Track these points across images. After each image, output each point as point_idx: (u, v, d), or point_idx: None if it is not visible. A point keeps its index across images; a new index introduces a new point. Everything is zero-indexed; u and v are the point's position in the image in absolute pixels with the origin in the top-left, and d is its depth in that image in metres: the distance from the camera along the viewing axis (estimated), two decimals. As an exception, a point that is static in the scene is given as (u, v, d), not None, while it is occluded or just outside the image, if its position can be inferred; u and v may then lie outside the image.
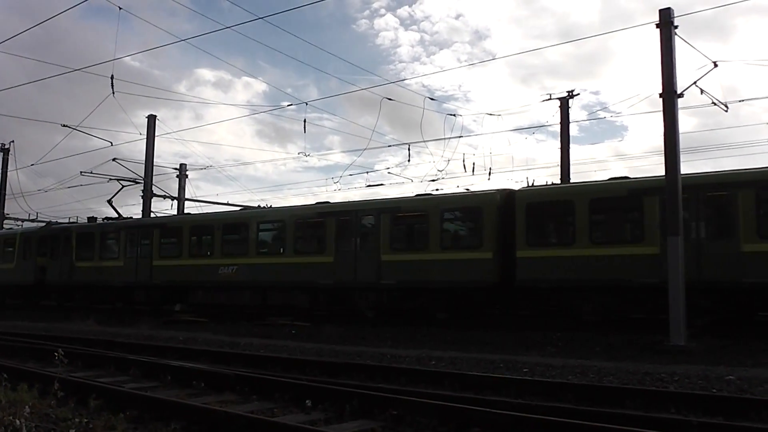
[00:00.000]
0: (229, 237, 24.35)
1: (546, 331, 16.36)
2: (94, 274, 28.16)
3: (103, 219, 31.16)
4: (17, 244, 32.38)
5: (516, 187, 20.30)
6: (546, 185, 19.19)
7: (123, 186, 32.64)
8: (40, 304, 31.53)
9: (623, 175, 17.70)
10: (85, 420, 6.92)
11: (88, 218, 32.14)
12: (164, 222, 27.47)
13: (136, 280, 26.45)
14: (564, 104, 28.22)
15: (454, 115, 27.46)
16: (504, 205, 18.34)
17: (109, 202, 31.32)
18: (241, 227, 24.18)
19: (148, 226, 27.25)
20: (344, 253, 20.66)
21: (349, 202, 22.76)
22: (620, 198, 16.82)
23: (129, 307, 27.58)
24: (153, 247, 26.19)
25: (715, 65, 15.95)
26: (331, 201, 23.30)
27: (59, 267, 29.59)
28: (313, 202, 23.34)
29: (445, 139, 27.57)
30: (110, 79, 21.48)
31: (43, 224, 44.27)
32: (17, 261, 32.03)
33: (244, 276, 23.06)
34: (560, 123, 28.25)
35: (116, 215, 30.86)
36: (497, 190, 19.21)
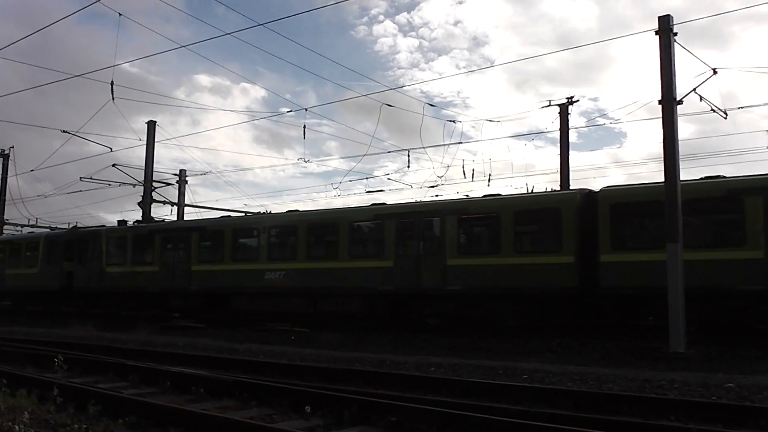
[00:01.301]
0: (276, 240, 23.14)
1: (544, 337, 16.34)
2: (125, 280, 26.88)
3: (134, 222, 30.07)
4: (41, 248, 30.87)
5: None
6: (632, 185, 17.71)
7: (155, 188, 31.47)
8: (64, 310, 29.91)
9: (717, 174, 16.46)
10: (84, 426, 6.91)
11: (118, 222, 30.83)
12: (204, 225, 25.95)
13: (173, 287, 25.18)
14: (563, 111, 28.24)
15: (454, 121, 27.52)
16: (583, 206, 17.20)
17: (140, 204, 30.29)
18: (288, 230, 22.85)
19: (185, 230, 25.86)
20: (405, 257, 19.57)
21: (410, 203, 21.66)
22: (718, 198, 15.64)
23: (129, 313, 27.17)
24: (191, 252, 24.90)
25: (715, 72, 15.98)
26: (389, 202, 22.04)
27: (88, 272, 28.26)
28: (369, 204, 22.22)
29: (444, 145, 27.48)
30: (110, 85, 21.48)
31: (47, 228, 44.41)
32: (41, 266, 30.54)
33: (293, 282, 21.81)
34: (560, 129, 28.27)
35: (141, 219, 29.69)
36: (576, 189, 18.13)
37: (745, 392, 9.13)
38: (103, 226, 31.52)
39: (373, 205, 21.66)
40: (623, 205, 16.62)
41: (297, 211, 23.76)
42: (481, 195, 20.03)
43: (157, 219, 32.29)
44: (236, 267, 23.50)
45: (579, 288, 16.64)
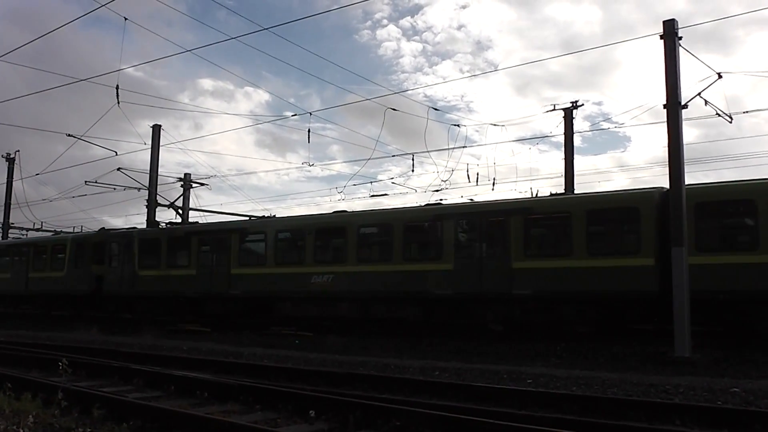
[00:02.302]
0: (324, 242, 22.12)
1: (550, 341, 16.31)
2: (160, 284, 25.77)
3: (166, 224, 29.25)
4: (68, 251, 29.74)
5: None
6: (717, 183, 16.96)
7: (192, 186, 30.65)
8: (93, 315, 28.71)
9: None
10: (89, 430, 6.94)
11: (149, 223, 30.23)
12: (244, 226, 24.75)
13: (211, 291, 24.13)
14: (568, 115, 28.22)
15: (458, 125, 27.44)
16: (662, 205, 16.22)
17: (172, 205, 29.47)
18: (337, 232, 21.69)
19: (225, 231, 24.63)
20: (466, 259, 18.52)
21: (471, 202, 20.63)
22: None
23: (130, 318, 27.17)
24: (231, 254, 23.76)
25: (720, 76, 15.97)
26: (446, 202, 21.02)
27: (119, 275, 27.14)
28: (424, 204, 21.31)
29: (448, 149, 27.44)
30: (115, 89, 21.44)
31: (51, 232, 44.61)
32: (68, 269, 29.45)
33: (343, 286, 20.74)
34: (564, 134, 28.24)
35: (176, 221, 29.00)
36: (654, 188, 17.05)
37: (751, 397, 9.10)
38: (134, 227, 30.85)
39: (428, 205, 20.89)
40: (708, 204, 15.71)
41: (345, 211, 22.90)
42: (548, 194, 19.23)
43: (161, 223, 32.24)
44: (280, 270, 22.45)
45: (660, 292, 15.56)
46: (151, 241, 26.88)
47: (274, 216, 27.28)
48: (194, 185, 30.68)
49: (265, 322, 22.79)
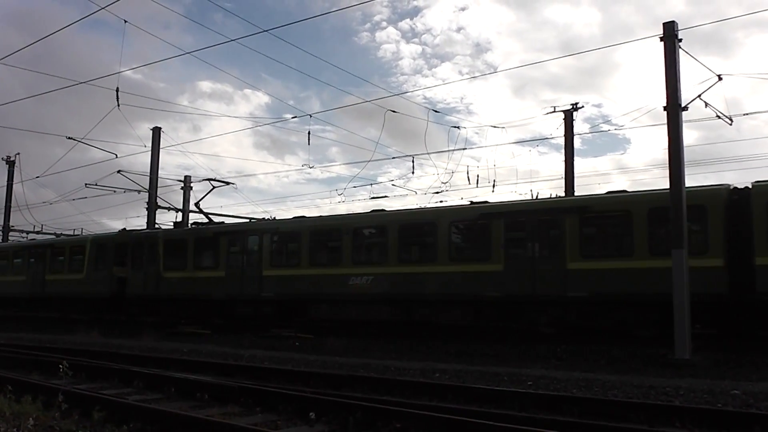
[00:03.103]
0: (363, 242, 21.28)
1: (550, 343, 16.31)
2: (186, 286, 24.86)
3: (192, 224, 28.28)
4: (87, 252, 28.78)
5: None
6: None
7: (214, 186, 29.38)
8: (109, 318, 28.04)
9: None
10: (89, 432, 6.93)
11: (174, 224, 29.41)
12: (277, 226, 23.84)
13: (242, 293, 23.28)
14: (568, 117, 28.25)
15: (458, 127, 27.46)
16: (731, 203, 15.70)
17: (197, 205, 28.58)
18: (377, 231, 20.97)
19: (256, 231, 23.84)
20: (517, 260, 17.74)
21: (520, 201, 19.86)
22: None
23: (134, 320, 27.03)
24: (263, 255, 22.97)
25: (720, 78, 15.98)
26: (491, 201, 20.20)
27: (143, 278, 26.24)
28: (469, 202, 20.53)
29: (448, 151, 27.45)
30: (115, 92, 21.50)
31: (52, 235, 44.59)
32: (88, 271, 28.47)
33: (383, 288, 19.91)
34: (564, 136, 28.26)
35: (207, 219, 27.89)
36: (721, 185, 16.27)
37: (751, 399, 9.10)
38: (159, 227, 29.89)
39: (474, 203, 20.19)
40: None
41: (383, 210, 22.18)
42: (605, 192, 18.34)
43: (160, 225, 32.20)
44: (316, 271, 21.59)
45: (729, 294, 15.06)
46: (177, 241, 26.04)
47: (274, 218, 27.06)
48: (218, 185, 29.61)
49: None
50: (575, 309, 17.16)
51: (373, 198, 33.36)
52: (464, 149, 27.93)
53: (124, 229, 31.66)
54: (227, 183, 29.55)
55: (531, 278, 17.34)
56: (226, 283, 23.66)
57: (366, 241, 21.33)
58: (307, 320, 22.54)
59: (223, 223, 27.16)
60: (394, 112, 24.69)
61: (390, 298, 20.06)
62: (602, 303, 16.64)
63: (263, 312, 23.30)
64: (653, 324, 16.23)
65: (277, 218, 26.47)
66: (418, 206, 21.28)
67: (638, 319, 16.53)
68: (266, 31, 18.01)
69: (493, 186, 28.30)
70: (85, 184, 34.02)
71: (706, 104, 16.05)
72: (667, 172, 14.87)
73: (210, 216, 29.30)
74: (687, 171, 14.85)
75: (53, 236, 43.42)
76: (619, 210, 16.75)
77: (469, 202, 20.62)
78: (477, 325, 19.08)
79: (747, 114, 42.18)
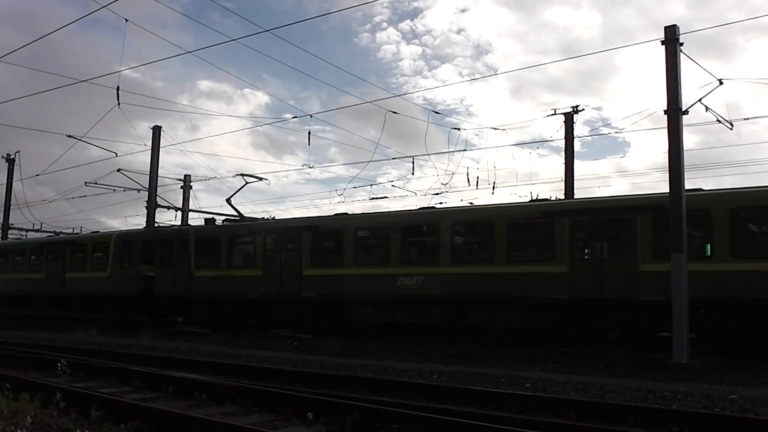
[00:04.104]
0: (412, 241, 20.35)
1: (548, 346, 16.30)
2: (219, 285, 23.76)
3: (225, 220, 26.98)
4: (112, 249, 27.57)
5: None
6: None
7: (246, 182, 27.71)
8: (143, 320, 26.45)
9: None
10: (87, 431, 6.94)
11: (205, 220, 28.29)
12: (318, 224, 22.45)
13: (280, 293, 22.18)
14: (569, 119, 28.26)
15: (458, 128, 27.46)
16: None
17: (228, 201, 27.31)
18: (427, 229, 19.98)
19: (296, 229, 22.48)
20: (582, 261, 16.99)
21: (587, 199, 18.86)
22: None
23: (132, 319, 26.69)
24: (303, 254, 21.83)
25: (721, 83, 15.99)
26: (552, 199, 19.40)
27: (173, 276, 25.09)
28: (529, 200, 19.85)
29: (448, 152, 27.45)
30: (115, 90, 21.47)
31: (51, 233, 44.55)
32: (113, 268, 27.28)
33: (435, 289, 18.89)
34: (565, 138, 28.27)
35: (237, 215, 26.82)
36: None
37: (749, 404, 9.09)
38: (188, 224, 28.72)
39: (534, 200, 19.47)
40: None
41: (434, 207, 21.24)
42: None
43: (160, 224, 32.05)
44: (360, 271, 20.50)
45: None
46: (210, 238, 24.84)
47: (274, 218, 26.69)
48: (251, 180, 28.39)
49: (266, 324, 22.48)
50: (647, 313, 16.19)
51: (373, 199, 33.25)
52: (464, 151, 27.93)
53: (151, 225, 31.00)
54: (260, 179, 28.21)
55: (599, 280, 16.39)
56: (263, 282, 22.61)
57: (416, 240, 20.46)
58: (349, 323, 21.63)
59: (254, 219, 26.21)
60: (394, 113, 24.69)
61: (442, 300, 19.16)
62: None
63: (302, 313, 22.45)
64: (734, 330, 15.34)
65: (318, 215, 25.20)
66: (418, 207, 20.91)
67: (718, 325, 15.49)
68: (267, 30, 18.04)
69: (493, 188, 28.32)
70: (85, 183, 33.95)
71: (707, 108, 16.06)
72: (666, 176, 14.88)
73: (235, 213, 27.97)
74: (686, 175, 14.86)
75: (52, 234, 43.42)
76: (697, 210, 15.39)
77: (529, 200, 19.62)
78: (537, 330, 18.26)
79: (747, 119, 41.90)
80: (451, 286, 18.61)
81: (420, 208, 21.49)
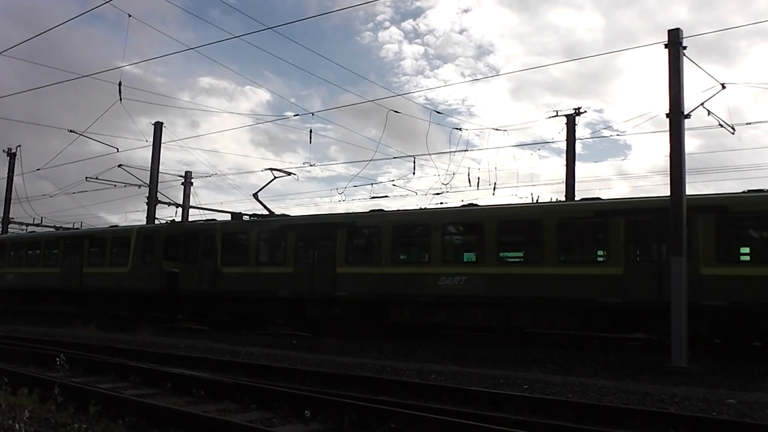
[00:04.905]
0: (455, 240, 19.80)
1: (547, 347, 16.30)
2: (247, 283, 22.96)
3: (249, 216, 26.44)
4: (132, 244, 26.71)
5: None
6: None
7: (275, 177, 26.94)
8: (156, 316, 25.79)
9: None
10: (84, 426, 6.94)
11: (232, 215, 27.99)
12: (353, 221, 21.64)
13: (312, 292, 21.39)
14: (570, 121, 28.27)
15: (459, 128, 27.46)
16: None
17: (255, 196, 26.63)
18: (471, 228, 19.24)
19: (330, 225, 21.75)
20: (638, 262, 16.27)
21: (643, 198, 18.01)
22: None
23: (137, 316, 26.37)
24: (337, 251, 21.14)
25: (723, 87, 15.98)
26: (604, 198, 18.68)
27: (198, 273, 24.22)
28: (579, 199, 19.14)
29: (449, 152, 27.43)
30: (118, 86, 21.52)
31: (52, 228, 44.52)
32: (133, 264, 26.48)
33: (479, 289, 18.08)
34: (566, 140, 28.28)
35: (266, 211, 26.02)
36: None
37: (747, 409, 9.10)
38: (214, 219, 27.74)
39: (585, 199, 19.00)
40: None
41: (476, 205, 20.22)
42: (745, 191, 16.35)
43: (160, 220, 31.94)
44: (398, 270, 19.83)
45: None
46: (238, 234, 24.18)
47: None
48: (279, 174, 27.52)
49: (261, 321, 22.42)
50: (709, 318, 15.32)
51: (373, 198, 33.32)
52: (465, 151, 27.95)
53: (173, 220, 30.44)
54: (289, 173, 27.46)
55: (656, 283, 15.62)
56: (294, 280, 21.82)
57: (459, 239, 19.83)
58: (387, 323, 20.83)
59: (283, 215, 25.46)
60: (396, 112, 24.69)
61: (487, 301, 18.28)
62: (744, 313, 14.87)
63: (335, 313, 21.54)
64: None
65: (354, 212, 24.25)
66: (460, 205, 20.11)
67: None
68: (270, 28, 18.05)
69: (494, 188, 28.33)
70: (86, 178, 33.91)
71: (709, 112, 16.07)
72: (667, 180, 14.88)
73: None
74: (687, 179, 14.85)
75: (53, 229, 43.39)
76: (762, 209, 14.99)
77: (580, 199, 18.99)
78: (585, 336, 17.66)
79: (749, 123, 42.13)
80: (496, 286, 17.91)
81: (463, 205, 20.69)
